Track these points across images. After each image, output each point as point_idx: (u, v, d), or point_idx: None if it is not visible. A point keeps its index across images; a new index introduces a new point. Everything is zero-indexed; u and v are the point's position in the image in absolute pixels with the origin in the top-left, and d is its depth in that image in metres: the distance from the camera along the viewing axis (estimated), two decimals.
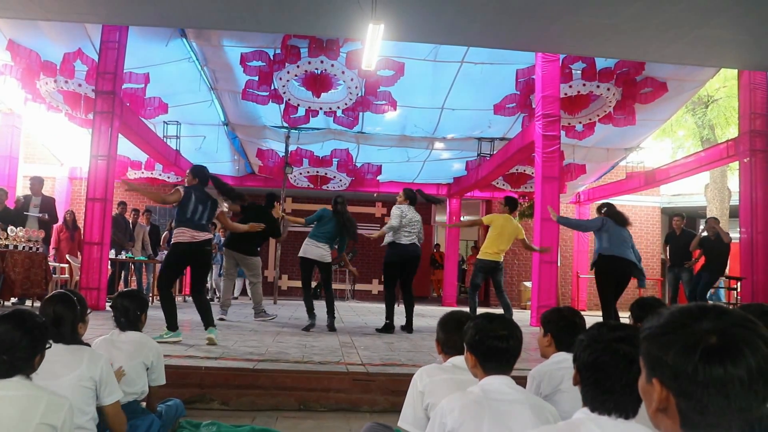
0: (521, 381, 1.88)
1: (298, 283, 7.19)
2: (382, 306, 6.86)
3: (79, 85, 8.58)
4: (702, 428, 0.80)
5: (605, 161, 11.48)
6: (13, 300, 7.02)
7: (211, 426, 2.89)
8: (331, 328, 6.19)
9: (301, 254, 6.21)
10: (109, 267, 8.23)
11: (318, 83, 8.35)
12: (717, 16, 5.68)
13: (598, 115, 9.16)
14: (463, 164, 11.95)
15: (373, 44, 5.78)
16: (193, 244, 4.78)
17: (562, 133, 8.39)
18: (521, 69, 8.42)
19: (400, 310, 6.81)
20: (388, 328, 6.33)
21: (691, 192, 14.56)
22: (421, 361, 4.28)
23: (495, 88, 8.88)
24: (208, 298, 6.14)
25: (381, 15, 5.40)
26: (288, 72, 8.16)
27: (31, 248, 6.85)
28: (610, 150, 11.10)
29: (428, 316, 8.67)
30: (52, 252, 9.14)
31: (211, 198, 4.97)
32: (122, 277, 9.77)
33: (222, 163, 11.91)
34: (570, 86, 8.38)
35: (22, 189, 10.57)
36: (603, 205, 6.41)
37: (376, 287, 14.57)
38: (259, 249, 7.28)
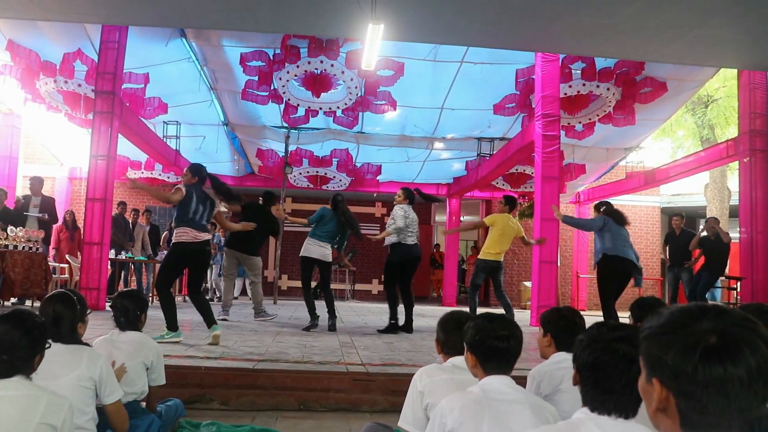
0: (521, 381, 1.87)
1: (298, 283, 7.18)
2: (383, 306, 6.85)
3: (79, 85, 8.58)
4: (702, 428, 0.80)
5: (605, 161, 11.48)
6: (13, 300, 7.01)
7: (210, 426, 2.89)
8: (333, 328, 6.18)
9: (303, 254, 6.18)
10: (109, 267, 8.23)
11: (318, 83, 8.34)
12: (717, 16, 5.68)
13: (597, 115, 9.16)
14: (462, 164, 11.95)
15: (372, 44, 5.78)
16: (194, 244, 4.78)
17: (562, 132, 8.40)
18: (521, 69, 8.41)
19: (399, 310, 6.79)
20: (393, 328, 6.28)
21: (690, 192, 14.55)
22: (421, 361, 4.28)
23: (495, 88, 8.87)
24: (207, 298, 6.13)
25: (381, 15, 5.40)
26: (288, 72, 8.16)
27: (30, 248, 6.84)
28: (609, 150, 11.10)
29: (428, 316, 8.66)
30: (52, 252, 9.15)
31: (209, 198, 4.97)
32: (122, 277, 9.76)
33: (222, 163, 11.91)
34: (570, 86, 8.37)
35: (21, 189, 10.57)
36: (601, 203, 6.41)
37: (376, 287, 14.57)
38: (259, 248, 7.29)
